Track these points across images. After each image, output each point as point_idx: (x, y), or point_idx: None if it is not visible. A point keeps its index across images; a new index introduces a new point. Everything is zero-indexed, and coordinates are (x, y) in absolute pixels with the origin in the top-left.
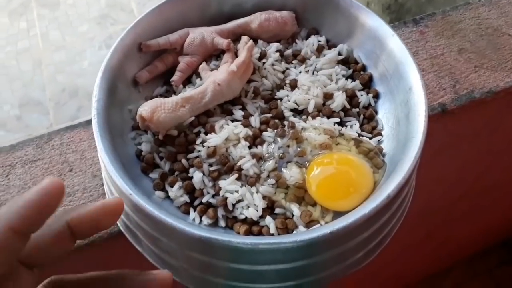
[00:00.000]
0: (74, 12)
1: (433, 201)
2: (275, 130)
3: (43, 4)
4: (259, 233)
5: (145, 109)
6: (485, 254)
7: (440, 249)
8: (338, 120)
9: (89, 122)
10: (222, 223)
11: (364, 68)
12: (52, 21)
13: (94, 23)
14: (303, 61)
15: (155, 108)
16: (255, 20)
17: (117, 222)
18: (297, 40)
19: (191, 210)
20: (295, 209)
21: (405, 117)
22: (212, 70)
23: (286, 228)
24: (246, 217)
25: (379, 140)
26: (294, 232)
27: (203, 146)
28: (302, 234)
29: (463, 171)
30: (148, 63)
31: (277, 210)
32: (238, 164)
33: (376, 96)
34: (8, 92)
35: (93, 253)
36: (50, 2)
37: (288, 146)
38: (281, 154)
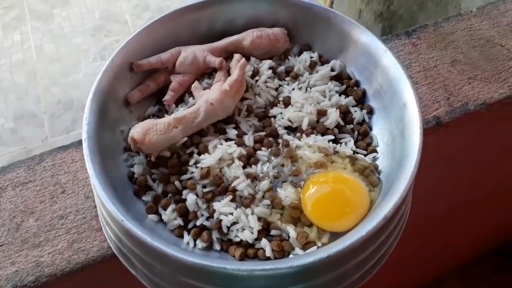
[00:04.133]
0: (68, 24)
1: (427, 211)
2: (269, 149)
3: (37, 17)
4: (255, 256)
5: (137, 131)
6: (479, 262)
7: (435, 258)
8: (332, 137)
9: (81, 142)
10: (217, 246)
11: (357, 83)
12: (46, 34)
13: (88, 35)
14: (296, 77)
15: (147, 130)
16: (247, 37)
17: (111, 245)
18: (289, 57)
19: (185, 233)
20: (291, 231)
21: (400, 133)
22: (204, 88)
23: (282, 250)
24: (241, 239)
25: (374, 157)
26: (291, 255)
27: (197, 167)
28: (298, 259)
29: (457, 182)
30: (140, 83)
31: (272, 232)
32: (233, 184)
33: (370, 112)
34: (3, 104)
35: (87, 276)
36: (44, 14)
37: (282, 165)
38: (276, 174)
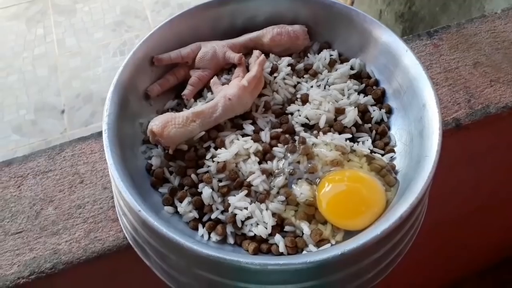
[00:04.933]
0: (89, 19)
1: (446, 214)
2: (286, 146)
3: (60, 11)
4: (268, 251)
5: (156, 124)
6: (497, 268)
7: (452, 261)
8: (349, 136)
9: (100, 134)
10: (231, 240)
11: (376, 83)
12: (68, 28)
13: (109, 30)
14: (314, 75)
15: (165, 123)
16: (267, 34)
17: (126, 235)
18: (309, 54)
19: (200, 226)
20: (305, 228)
21: (419, 134)
22: (223, 84)
23: (295, 246)
24: (255, 234)
25: (391, 157)
26: (304, 251)
27: (213, 161)
28: (311, 255)
29: (477, 185)
30: (160, 77)
31: (286, 228)
32: (248, 180)
33: (389, 111)
34: (24, 96)
35: (102, 265)
36: (66, 9)
37: (298, 162)
38: (291, 170)
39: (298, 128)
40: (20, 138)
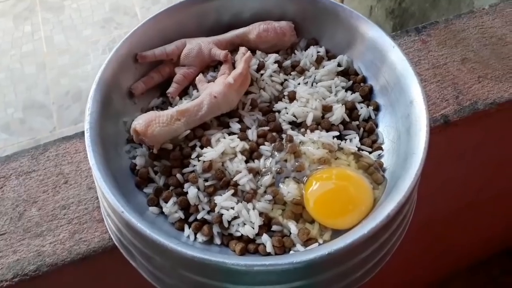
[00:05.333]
0: (78, 16)
1: (435, 211)
2: (273, 144)
3: (47, 8)
4: (256, 251)
5: (139, 122)
6: (487, 263)
7: (442, 258)
8: (337, 133)
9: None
10: (217, 240)
11: (364, 79)
12: (57, 25)
13: (98, 27)
14: (302, 72)
15: (149, 122)
16: (254, 30)
17: (112, 236)
18: (296, 51)
19: (186, 226)
20: (293, 227)
21: (406, 131)
22: (209, 81)
23: (283, 246)
24: (242, 234)
25: (379, 155)
26: (291, 251)
27: (199, 160)
28: (298, 256)
29: (465, 181)
30: (144, 74)
31: (274, 228)
32: (234, 179)
33: (377, 108)
34: (12, 95)
35: (87, 267)
36: (54, 6)
37: (285, 160)
38: (278, 169)
39: (285, 126)
40: (9, 137)
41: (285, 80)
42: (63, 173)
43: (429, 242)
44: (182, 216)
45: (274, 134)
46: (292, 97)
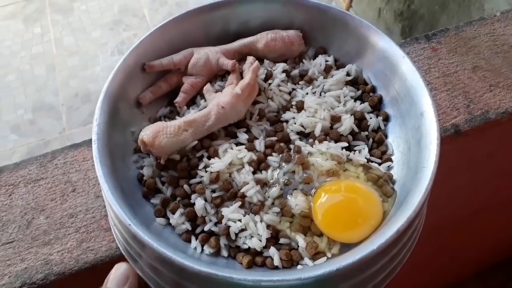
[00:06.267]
0: (87, 17)
1: (444, 218)
2: (281, 155)
3: (57, 10)
4: (263, 265)
5: (147, 133)
6: (495, 269)
7: (450, 264)
8: (346, 144)
9: None
10: (224, 252)
11: (373, 89)
12: (66, 27)
13: (107, 29)
14: (310, 81)
15: (156, 133)
16: (261, 39)
17: (119, 246)
18: (304, 60)
19: (193, 238)
20: (301, 240)
21: (417, 143)
22: (216, 91)
23: (291, 260)
24: (249, 247)
25: (389, 166)
26: (299, 264)
27: (206, 171)
28: (307, 271)
29: (475, 189)
30: (152, 84)
31: (281, 241)
32: (242, 190)
33: (386, 119)
34: (22, 96)
35: (95, 276)
36: (64, 8)
37: (293, 172)
38: (286, 181)
39: (293, 136)
40: (18, 138)
41: (293, 89)
42: (71, 181)
43: (437, 249)
44: (189, 228)
45: (282, 144)
46: (300, 107)
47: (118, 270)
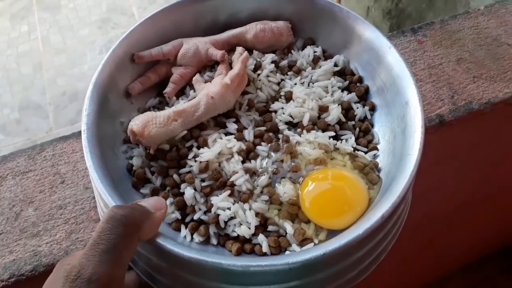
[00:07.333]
0: (75, 16)
1: (430, 210)
2: (269, 144)
3: (44, 8)
4: (252, 252)
5: (136, 123)
6: (483, 262)
7: (438, 258)
8: (333, 133)
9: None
10: (214, 240)
11: (360, 80)
12: (53, 25)
13: (95, 27)
14: (298, 72)
15: (146, 123)
16: (251, 30)
17: None
18: (292, 51)
19: (182, 227)
20: (288, 227)
21: (402, 132)
22: (205, 81)
23: (279, 246)
24: (238, 234)
25: (374, 155)
26: (287, 251)
27: (195, 161)
28: (294, 256)
29: (461, 181)
30: (141, 74)
31: (270, 228)
32: (231, 179)
33: (373, 109)
34: (8, 95)
35: None
36: (51, 5)
37: (282, 161)
38: (274, 170)
39: (282, 126)
40: (4, 137)
41: (282, 80)
42: (60, 173)
43: (425, 242)
44: (179, 217)
45: (270, 134)
46: (288, 97)
47: (154, 198)
